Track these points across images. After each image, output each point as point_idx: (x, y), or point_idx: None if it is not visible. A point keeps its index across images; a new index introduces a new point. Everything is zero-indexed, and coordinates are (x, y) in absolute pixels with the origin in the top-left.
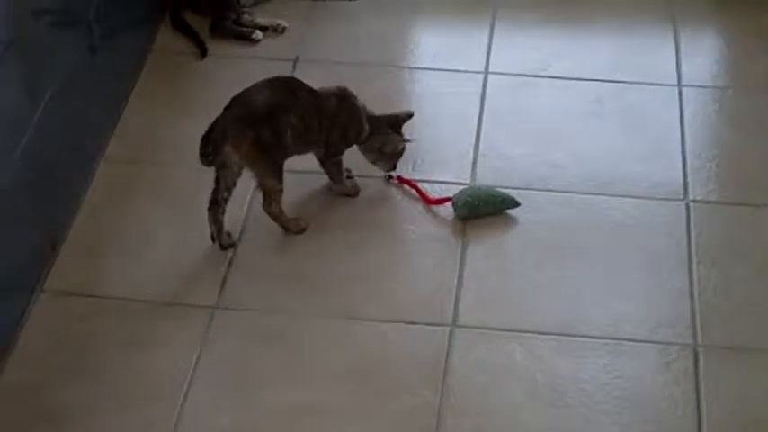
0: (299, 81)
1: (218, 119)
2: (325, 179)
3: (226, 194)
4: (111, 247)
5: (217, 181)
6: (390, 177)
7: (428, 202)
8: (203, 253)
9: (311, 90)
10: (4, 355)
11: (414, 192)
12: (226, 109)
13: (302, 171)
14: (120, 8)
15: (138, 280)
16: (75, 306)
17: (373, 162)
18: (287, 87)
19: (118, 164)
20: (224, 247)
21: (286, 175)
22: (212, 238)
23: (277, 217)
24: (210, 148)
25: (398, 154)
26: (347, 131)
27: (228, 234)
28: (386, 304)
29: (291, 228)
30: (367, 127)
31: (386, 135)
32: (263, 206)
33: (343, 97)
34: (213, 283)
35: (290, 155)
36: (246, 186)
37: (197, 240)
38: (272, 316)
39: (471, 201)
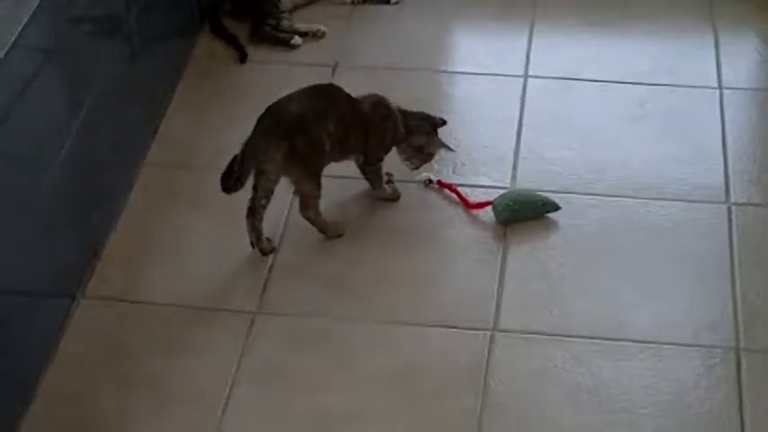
0: (337, 88)
1: (252, 132)
2: (365, 184)
3: (264, 201)
4: (152, 253)
5: (255, 188)
6: (430, 182)
7: (468, 206)
8: (244, 258)
9: (349, 98)
10: (46, 361)
11: (454, 196)
12: (259, 120)
13: (342, 176)
14: (159, 15)
15: (178, 286)
16: (117, 312)
17: (406, 159)
18: (325, 95)
19: (159, 170)
20: (264, 253)
21: (326, 180)
22: (252, 245)
23: (314, 221)
24: (232, 181)
25: (432, 156)
26: (384, 138)
27: (268, 240)
28: (427, 308)
29: (329, 232)
30: (403, 130)
31: (428, 136)
32: (300, 211)
33: (378, 103)
34: (254, 288)
35: (328, 162)
36: (287, 191)
37: (238, 246)
38: (312, 320)
39: (512, 205)
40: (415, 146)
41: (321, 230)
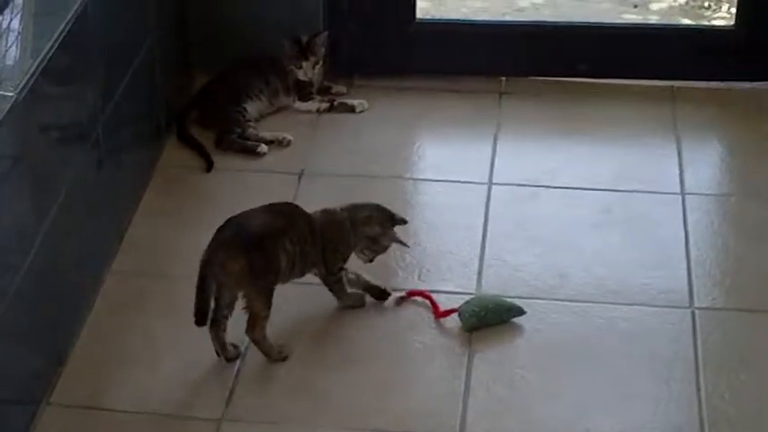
0: (295, 206)
1: (211, 242)
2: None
3: (225, 312)
4: (117, 361)
5: (216, 300)
6: (402, 299)
7: (437, 314)
8: (210, 365)
9: (306, 215)
10: None
11: (426, 301)
12: (219, 231)
13: (307, 283)
14: (127, 122)
15: (144, 393)
16: (82, 419)
17: (359, 251)
18: (284, 213)
19: (124, 277)
20: (229, 360)
21: (291, 287)
22: (217, 354)
23: (258, 342)
24: (199, 315)
25: (385, 249)
26: (338, 247)
27: (234, 345)
28: (394, 415)
29: (272, 355)
30: (353, 239)
31: (382, 227)
32: (247, 330)
33: (325, 213)
34: (220, 395)
35: (287, 280)
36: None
37: (203, 353)
38: (278, 428)
39: (478, 311)
40: (368, 236)
41: (265, 353)
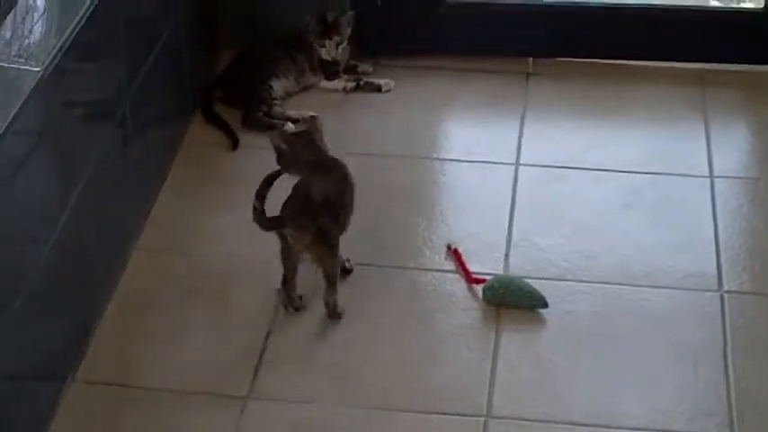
0: (342, 165)
1: (283, 215)
2: (364, 270)
3: (294, 273)
4: (142, 337)
5: (285, 263)
6: (449, 248)
7: (467, 279)
8: (235, 343)
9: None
10: None
11: (460, 269)
12: (286, 203)
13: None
14: (153, 99)
15: (169, 370)
16: (107, 396)
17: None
18: (337, 174)
19: (149, 253)
20: (298, 310)
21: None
22: (285, 308)
23: (335, 305)
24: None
25: None
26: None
27: (300, 297)
28: (421, 394)
29: (338, 313)
30: None
31: None
32: (328, 294)
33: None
34: (245, 373)
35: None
36: (277, 279)
37: (228, 330)
38: (303, 406)
39: (497, 287)
40: None
41: (333, 312)
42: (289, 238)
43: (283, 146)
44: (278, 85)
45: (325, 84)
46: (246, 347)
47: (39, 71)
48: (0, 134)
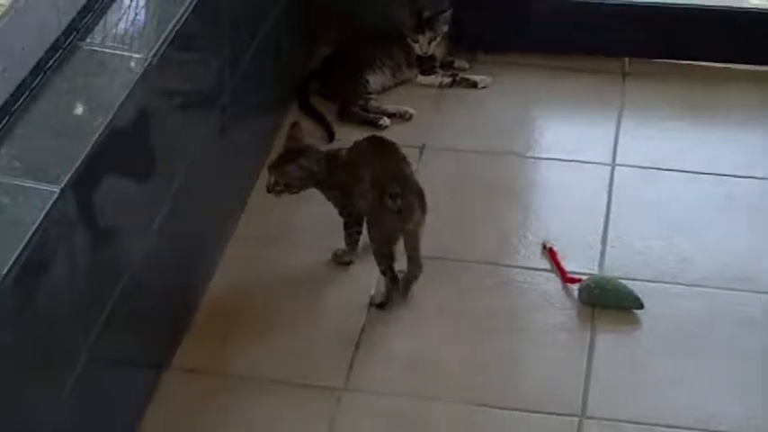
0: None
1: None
2: (455, 265)
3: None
4: (237, 326)
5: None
6: (544, 247)
7: (563, 278)
8: (330, 335)
9: None
10: None
11: (555, 268)
12: (409, 181)
13: (435, 257)
14: (252, 90)
15: (263, 359)
16: (202, 384)
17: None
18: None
19: (246, 242)
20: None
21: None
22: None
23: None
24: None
25: None
26: None
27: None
28: (514, 392)
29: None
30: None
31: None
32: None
33: None
34: (340, 364)
35: None
36: (373, 273)
37: (324, 322)
38: (397, 400)
39: (593, 287)
40: None
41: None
42: (411, 224)
43: (315, 167)
44: (374, 80)
45: (421, 79)
46: (341, 339)
47: (145, 59)
48: (108, 120)
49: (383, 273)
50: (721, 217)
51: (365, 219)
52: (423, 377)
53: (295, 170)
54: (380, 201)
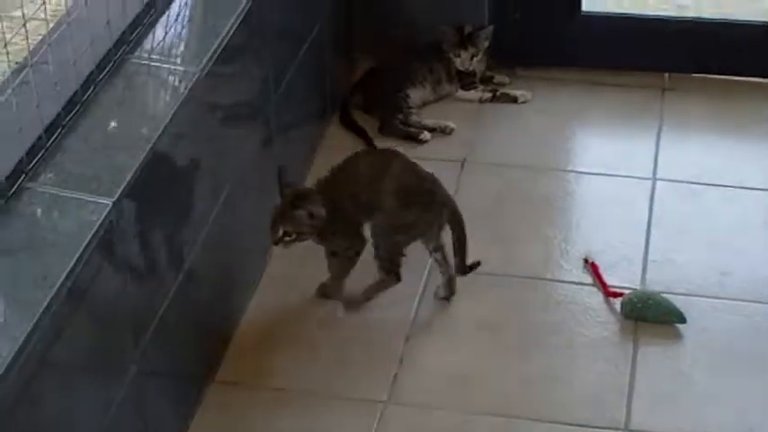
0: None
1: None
2: (500, 280)
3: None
4: (280, 339)
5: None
6: (586, 261)
7: (605, 292)
8: (374, 348)
9: None
10: None
11: (597, 282)
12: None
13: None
14: (296, 103)
15: (306, 372)
16: (245, 397)
17: None
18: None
19: (288, 257)
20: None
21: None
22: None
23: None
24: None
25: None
26: None
27: None
28: (557, 405)
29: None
30: None
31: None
32: (459, 270)
33: None
34: (383, 378)
35: None
36: (414, 289)
37: (364, 335)
38: (441, 414)
39: (635, 301)
40: None
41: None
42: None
43: (322, 210)
44: (414, 94)
45: (461, 93)
46: (385, 353)
47: (194, 72)
48: (159, 133)
49: (388, 272)
50: (761, 231)
51: (377, 232)
52: (466, 391)
53: (304, 215)
54: (404, 206)
